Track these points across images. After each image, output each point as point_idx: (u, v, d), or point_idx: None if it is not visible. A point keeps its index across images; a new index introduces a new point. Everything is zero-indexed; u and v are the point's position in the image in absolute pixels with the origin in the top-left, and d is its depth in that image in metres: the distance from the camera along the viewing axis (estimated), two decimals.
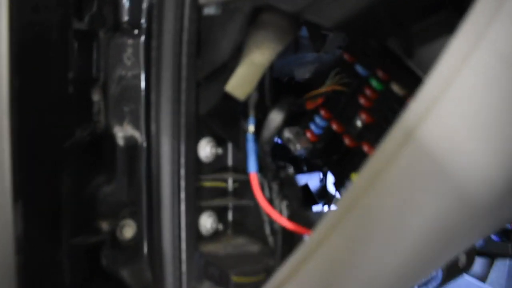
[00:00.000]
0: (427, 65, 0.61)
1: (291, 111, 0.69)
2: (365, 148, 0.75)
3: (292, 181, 0.75)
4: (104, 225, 0.80)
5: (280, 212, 0.76)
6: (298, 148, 0.86)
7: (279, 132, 0.77)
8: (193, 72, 0.76)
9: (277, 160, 0.75)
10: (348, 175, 0.79)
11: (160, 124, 0.77)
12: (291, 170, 0.74)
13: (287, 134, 0.88)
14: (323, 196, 1.26)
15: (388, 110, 0.73)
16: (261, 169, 0.74)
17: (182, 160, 0.77)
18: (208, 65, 0.73)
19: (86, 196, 0.83)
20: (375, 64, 0.74)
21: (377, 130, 0.75)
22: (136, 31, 0.81)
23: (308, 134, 0.87)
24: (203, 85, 0.77)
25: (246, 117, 0.73)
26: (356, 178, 0.40)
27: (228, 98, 0.74)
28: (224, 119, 0.81)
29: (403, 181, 0.37)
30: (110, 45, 0.82)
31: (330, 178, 1.27)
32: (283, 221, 0.70)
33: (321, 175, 1.32)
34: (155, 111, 0.78)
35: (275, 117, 0.66)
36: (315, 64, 1.17)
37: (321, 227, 0.42)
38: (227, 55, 0.68)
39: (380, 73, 0.73)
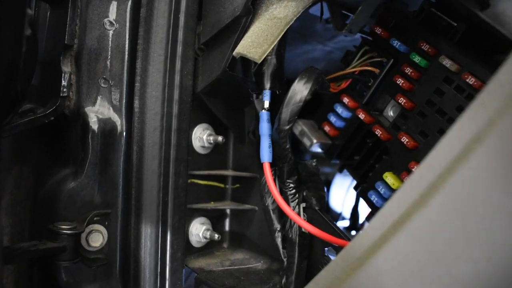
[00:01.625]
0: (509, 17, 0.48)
1: (319, 84, 0.53)
2: (404, 139, 0.60)
3: (314, 176, 0.58)
4: (64, 230, 0.61)
5: (298, 213, 0.59)
6: (314, 142, 0.70)
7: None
8: (192, 35, 0.60)
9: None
10: (379, 176, 0.64)
11: (145, 101, 0.60)
12: (313, 162, 0.58)
13: (300, 126, 0.72)
14: (327, 213, 1.09)
15: (434, 92, 0.58)
16: (276, 159, 0.58)
17: (172, 151, 0.61)
18: (213, 25, 0.58)
19: (44, 192, 0.64)
20: (416, 37, 0.60)
21: (417, 119, 0.60)
22: None
23: (327, 128, 0.71)
24: (204, 52, 0.62)
25: (258, 92, 0.57)
26: None
27: (236, 69, 0.58)
28: (226, 99, 0.65)
29: None
30: (90, 5, 0.66)
31: (334, 193, 1.11)
32: (305, 224, 0.53)
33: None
34: (141, 83, 0.61)
35: (301, 88, 0.51)
36: (323, 63, 1.03)
37: None
38: (240, 8, 0.53)
39: (424, 46, 0.59)
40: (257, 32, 0.52)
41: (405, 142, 0.60)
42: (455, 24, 0.58)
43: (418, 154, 0.60)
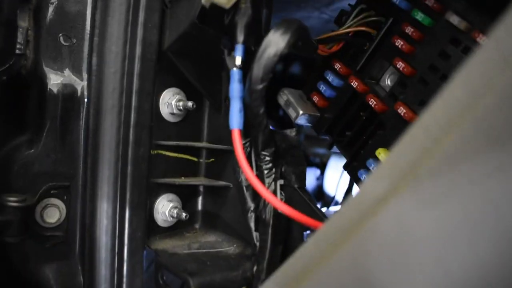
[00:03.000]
0: None
1: (298, 42, 0.45)
2: (401, 110, 0.52)
3: (294, 149, 0.50)
4: (11, 202, 0.54)
5: (274, 192, 0.51)
6: (300, 113, 0.62)
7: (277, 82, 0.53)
8: None
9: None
10: (372, 153, 0.55)
11: (104, 58, 0.53)
12: (293, 132, 0.50)
13: (286, 95, 0.64)
14: (320, 197, 1.01)
15: (438, 56, 0.50)
16: (249, 126, 0.50)
17: (133, 116, 0.53)
18: None
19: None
20: None
21: (418, 87, 0.52)
22: None
23: (316, 98, 0.63)
24: (171, 6, 0.53)
25: (230, 48, 0.49)
26: None
27: (206, 22, 0.50)
28: (199, 59, 0.57)
29: None
30: None
31: (329, 177, 1.03)
32: (280, 205, 0.45)
33: (318, 172, 1.07)
34: (99, 37, 0.53)
35: (277, 40, 0.42)
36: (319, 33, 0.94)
37: None
38: None
39: (428, 1, 0.50)
40: None
41: (402, 114, 0.52)
42: None
43: None
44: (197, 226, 0.64)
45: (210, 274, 0.50)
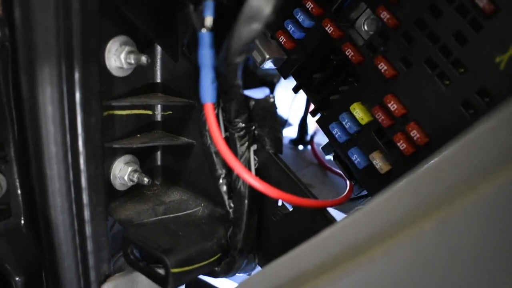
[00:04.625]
0: None
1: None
2: (381, 66, 0.48)
3: (270, 114, 0.46)
4: None
5: (248, 163, 0.48)
6: (266, 58, 0.55)
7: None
8: None
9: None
10: (345, 106, 0.52)
11: (30, 9, 0.41)
12: (270, 99, 0.45)
13: None
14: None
15: (428, 10, 0.45)
16: (221, 93, 0.44)
17: (77, 75, 0.44)
18: None
19: None
20: None
21: (401, 41, 0.47)
22: None
23: (282, 38, 0.56)
24: None
25: (196, 1, 0.40)
26: None
27: None
28: (151, 4, 0.47)
29: None
30: None
31: (280, 97, 0.99)
32: (257, 183, 0.42)
33: (267, 91, 1.02)
34: None
35: (261, 6, 0.34)
36: None
37: None
38: None
39: None
40: None
41: (382, 70, 0.48)
42: None
43: (395, 86, 0.49)
44: (157, 182, 0.60)
45: (185, 248, 0.47)
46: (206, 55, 0.40)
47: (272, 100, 0.45)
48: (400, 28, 0.47)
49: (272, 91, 1.01)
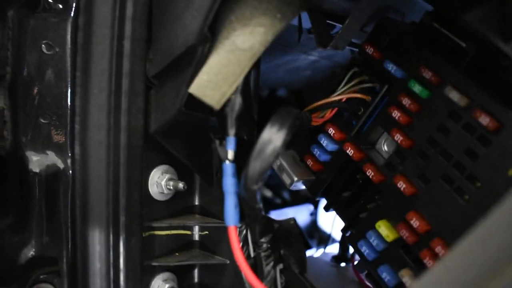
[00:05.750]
0: None
1: (295, 128, 0.43)
2: (400, 184, 0.50)
3: (293, 237, 0.48)
4: None
5: (275, 282, 0.49)
6: (294, 180, 0.60)
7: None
8: (141, 65, 0.49)
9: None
10: (371, 224, 0.54)
11: (87, 147, 0.50)
12: (291, 221, 0.48)
13: (278, 160, 0.62)
14: (315, 235, 0.98)
15: (436, 129, 0.48)
16: (244, 217, 0.48)
17: (122, 200, 0.50)
18: (164, 54, 0.46)
19: None
20: (416, 59, 0.50)
21: (417, 159, 0.50)
22: (60, 6, 0.54)
23: (310, 162, 0.61)
24: (156, 86, 0.50)
25: (221, 137, 0.46)
26: None
27: (194, 107, 0.47)
28: (187, 139, 0.54)
29: None
30: (23, 27, 0.54)
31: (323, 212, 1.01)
32: None
33: (311, 207, 1.05)
34: (81, 125, 0.50)
35: (273, 138, 0.40)
36: (308, 72, 0.92)
37: None
38: (194, 36, 0.42)
39: (426, 73, 0.48)
40: (215, 68, 0.41)
41: (401, 188, 0.50)
42: (464, 45, 0.47)
43: (417, 202, 0.50)
44: None
45: None
46: (229, 183, 0.45)
47: (293, 222, 0.48)
48: (414, 147, 0.50)
49: (316, 207, 1.03)
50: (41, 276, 0.57)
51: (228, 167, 0.44)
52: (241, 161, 0.46)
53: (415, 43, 0.51)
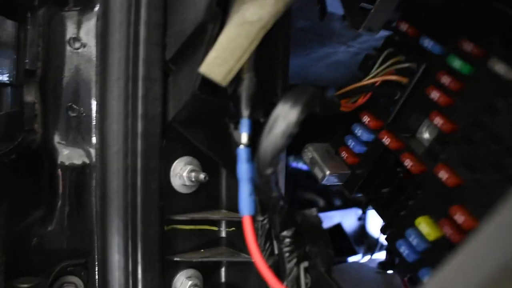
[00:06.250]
0: None
1: (315, 109, 0.39)
2: (442, 174, 0.44)
3: (317, 229, 0.44)
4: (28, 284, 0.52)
5: (297, 282, 0.45)
6: (327, 174, 0.55)
7: (296, 147, 0.47)
8: (158, 50, 0.47)
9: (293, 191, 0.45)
10: (410, 221, 0.47)
11: (105, 136, 0.49)
12: (313, 212, 0.43)
13: (310, 153, 0.57)
14: (363, 241, 0.91)
15: (482, 109, 0.42)
16: (261, 208, 0.44)
17: (140, 190, 0.49)
18: (176, 36, 0.45)
19: (12, 240, 0.55)
20: (455, 33, 0.44)
21: (461, 146, 0.44)
22: (86, 3, 0.55)
23: (344, 154, 0.56)
24: (173, 72, 0.49)
25: (236, 121, 0.43)
26: None
27: (209, 90, 0.45)
28: (208, 128, 0.52)
29: None
30: (53, 24, 0.56)
31: (374, 217, 0.94)
32: None
33: (359, 211, 0.98)
34: (100, 114, 0.50)
35: (287, 113, 0.36)
36: (349, 66, 0.87)
37: None
38: (203, 12, 0.40)
39: (467, 46, 0.42)
40: (223, 43, 0.39)
41: (443, 179, 0.44)
42: (510, 13, 0.41)
43: (461, 194, 0.43)
44: None
45: None
46: (243, 169, 0.42)
47: (314, 213, 0.43)
48: (457, 132, 0.44)
49: (364, 211, 0.96)
50: (68, 269, 0.58)
51: (242, 151, 0.41)
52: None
53: (453, 15, 0.45)
